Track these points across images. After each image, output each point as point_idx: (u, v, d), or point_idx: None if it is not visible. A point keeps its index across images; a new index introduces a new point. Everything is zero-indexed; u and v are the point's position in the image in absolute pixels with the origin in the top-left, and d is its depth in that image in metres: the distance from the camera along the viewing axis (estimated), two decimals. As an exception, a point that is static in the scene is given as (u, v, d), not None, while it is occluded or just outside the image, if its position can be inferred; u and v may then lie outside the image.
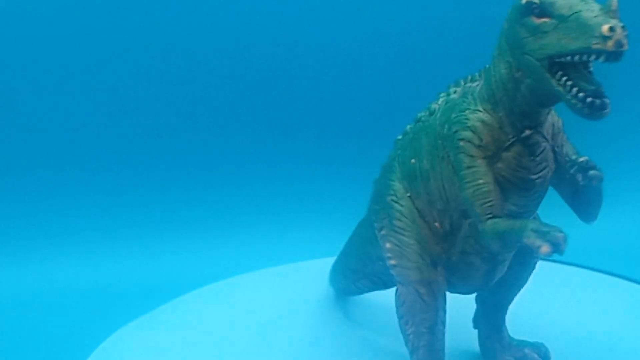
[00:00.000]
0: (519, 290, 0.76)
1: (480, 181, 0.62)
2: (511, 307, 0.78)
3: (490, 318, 0.78)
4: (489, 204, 0.61)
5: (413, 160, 0.70)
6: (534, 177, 0.63)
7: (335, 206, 1.35)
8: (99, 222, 1.39)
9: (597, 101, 0.54)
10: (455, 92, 0.68)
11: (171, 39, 1.34)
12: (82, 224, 1.38)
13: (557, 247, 0.53)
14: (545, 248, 0.54)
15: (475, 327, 0.80)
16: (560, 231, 0.54)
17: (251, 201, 1.42)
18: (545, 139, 0.63)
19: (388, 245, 0.72)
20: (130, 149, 1.38)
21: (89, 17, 1.32)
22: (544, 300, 0.93)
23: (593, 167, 0.61)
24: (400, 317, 0.72)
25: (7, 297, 1.29)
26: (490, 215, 0.61)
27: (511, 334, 0.80)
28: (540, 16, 0.56)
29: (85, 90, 1.35)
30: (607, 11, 0.52)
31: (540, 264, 0.74)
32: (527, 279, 0.75)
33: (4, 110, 1.34)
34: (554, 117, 0.65)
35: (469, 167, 0.63)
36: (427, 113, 0.70)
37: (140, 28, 1.33)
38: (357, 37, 1.37)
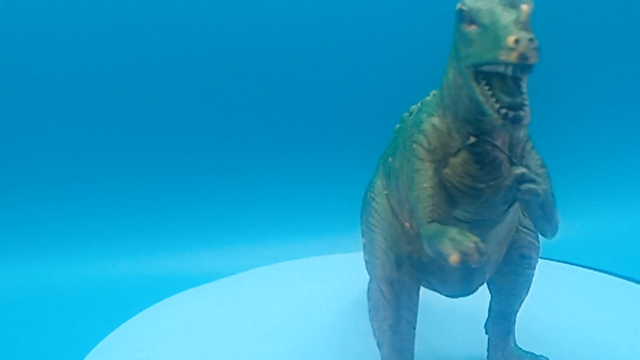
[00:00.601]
0: (519, 299, 0.75)
1: (425, 185, 0.61)
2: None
3: (497, 325, 0.78)
4: (429, 208, 0.61)
5: (390, 159, 0.70)
6: (482, 185, 0.61)
7: (337, 205, 1.35)
8: (99, 223, 1.39)
9: (511, 113, 0.53)
10: (433, 94, 0.67)
11: (174, 52, 1.35)
12: (82, 224, 1.39)
13: (467, 257, 0.52)
14: (454, 257, 0.53)
15: (486, 333, 0.80)
16: (475, 242, 0.53)
17: (253, 201, 1.42)
18: (498, 148, 0.61)
19: (363, 240, 0.73)
20: (131, 150, 1.39)
21: (89, 20, 1.32)
22: (545, 300, 0.92)
23: (529, 181, 0.59)
24: (368, 312, 0.73)
25: (7, 297, 1.29)
26: (429, 220, 0.60)
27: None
28: (470, 23, 0.55)
29: (84, 91, 1.35)
30: (518, 22, 0.51)
31: (541, 263, 0.74)
32: (525, 288, 0.74)
33: (4, 113, 1.34)
34: None
35: (417, 170, 0.62)
36: (408, 114, 0.70)
37: (142, 33, 1.34)
38: (359, 38, 1.37)
